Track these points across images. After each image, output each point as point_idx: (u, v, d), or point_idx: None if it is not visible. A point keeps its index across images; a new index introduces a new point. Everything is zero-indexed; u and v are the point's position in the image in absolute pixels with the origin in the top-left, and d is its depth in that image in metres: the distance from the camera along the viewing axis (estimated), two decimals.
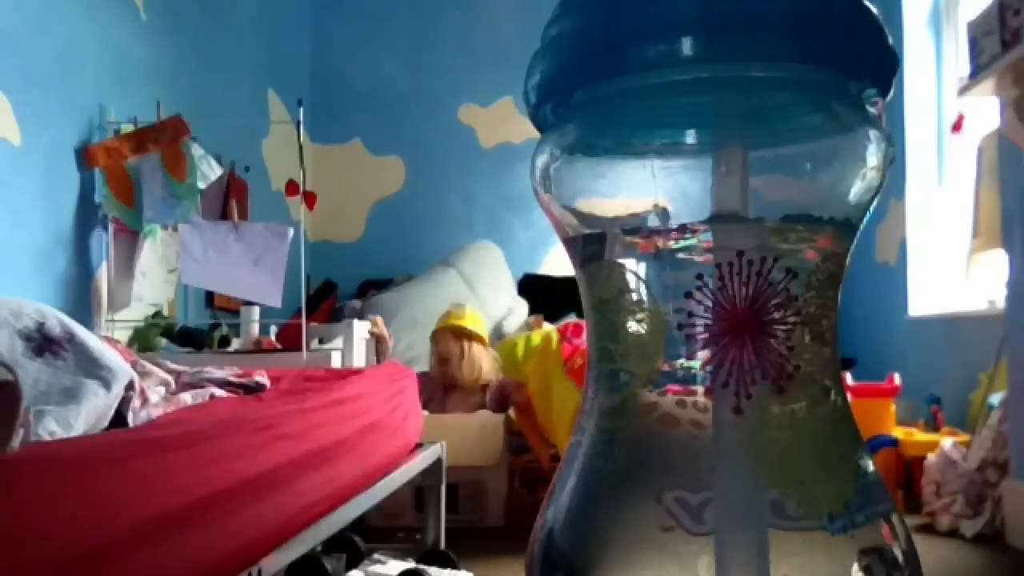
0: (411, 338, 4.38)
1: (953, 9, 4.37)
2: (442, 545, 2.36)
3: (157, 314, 3.43)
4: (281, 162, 4.58)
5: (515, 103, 5.59)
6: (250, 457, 1.23)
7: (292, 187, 3.43)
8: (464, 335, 3.56)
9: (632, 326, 0.87)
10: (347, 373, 2.27)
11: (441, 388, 3.60)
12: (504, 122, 5.60)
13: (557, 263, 5.47)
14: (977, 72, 2.84)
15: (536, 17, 4.78)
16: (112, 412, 1.32)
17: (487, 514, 3.29)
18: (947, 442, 3.21)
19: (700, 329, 0.82)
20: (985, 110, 3.55)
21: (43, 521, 0.80)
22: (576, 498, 0.89)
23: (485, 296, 4.82)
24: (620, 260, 0.89)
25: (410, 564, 2.13)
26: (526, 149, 5.72)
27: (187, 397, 1.59)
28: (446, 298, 4.63)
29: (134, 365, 1.58)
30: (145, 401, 1.42)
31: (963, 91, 2.92)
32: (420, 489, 2.52)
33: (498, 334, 4.69)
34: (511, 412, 3.45)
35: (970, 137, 4.07)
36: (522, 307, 4.93)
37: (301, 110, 3.38)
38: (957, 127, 4.12)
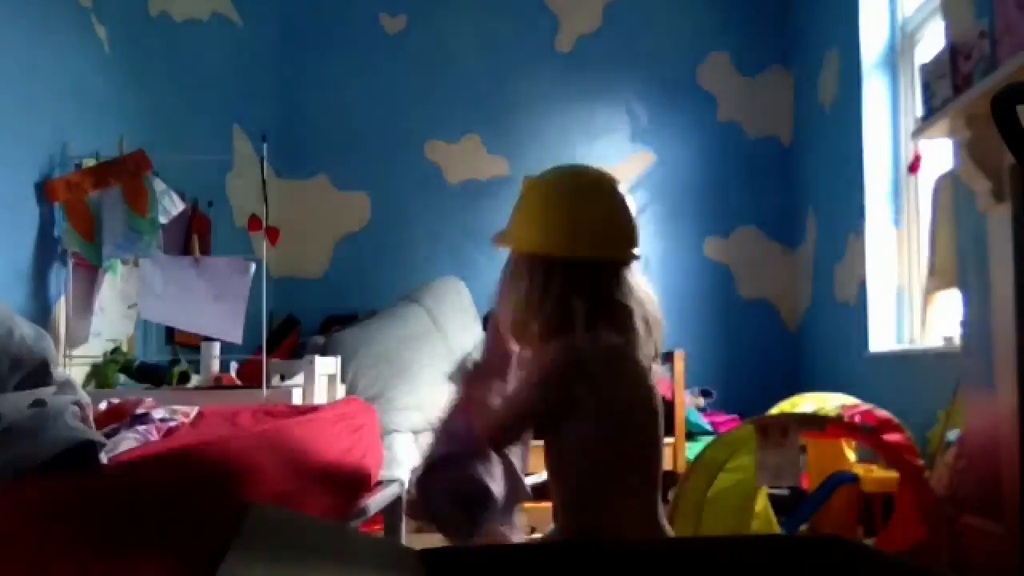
0: (373, 374, 4.36)
1: (909, 50, 4.47)
2: None
3: (116, 350, 3.39)
4: (245, 197, 4.57)
5: (481, 140, 5.63)
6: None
7: (255, 222, 3.42)
8: None
9: None
10: (306, 409, 2.25)
11: None
12: (470, 159, 5.62)
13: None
14: (930, 114, 2.90)
15: (503, 56, 4.88)
16: None
17: None
18: None
19: None
20: (941, 150, 3.63)
21: None
22: None
23: (450, 332, 4.81)
24: None
25: None
26: (492, 185, 5.80)
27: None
28: (411, 334, 4.62)
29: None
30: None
31: (917, 133, 2.99)
32: None
33: None
34: None
35: (927, 177, 4.14)
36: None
37: (265, 145, 3.38)
38: (915, 167, 4.19)
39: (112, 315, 3.40)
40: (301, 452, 1.67)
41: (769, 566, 1.25)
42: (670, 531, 1.58)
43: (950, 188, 3.42)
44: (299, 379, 3.43)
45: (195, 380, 3.34)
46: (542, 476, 1.62)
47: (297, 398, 3.20)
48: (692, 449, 3.83)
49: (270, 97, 5.56)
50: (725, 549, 1.33)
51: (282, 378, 3.57)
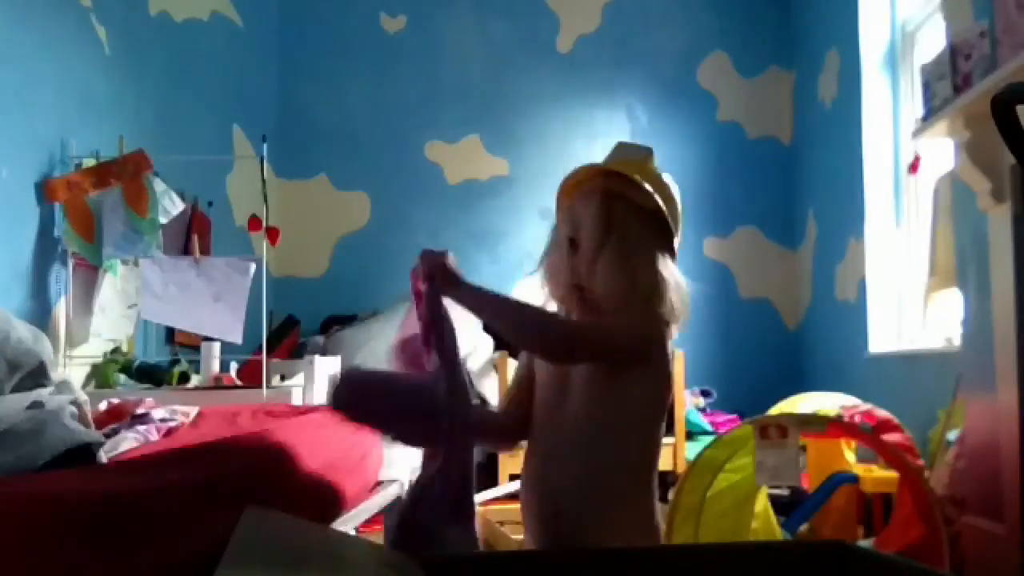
0: None
1: (909, 51, 4.47)
2: None
3: (116, 350, 3.39)
4: (245, 197, 4.56)
5: (481, 140, 5.63)
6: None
7: (255, 222, 3.42)
8: None
9: None
10: (306, 409, 2.25)
11: None
12: (470, 159, 5.62)
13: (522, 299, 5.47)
14: (930, 115, 2.90)
15: (503, 56, 4.88)
16: None
17: None
18: None
19: None
20: (941, 151, 3.63)
21: None
22: None
23: None
24: None
25: None
26: (492, 186, 5.79)
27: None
28: None
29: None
30: None
31: (917, 133, 2.98)
32: None
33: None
34: None
35: (927, 177, 4.14)
36: (487, 344, 4.92)
37: (265, 145, 3.38)
38: (914, 168, 4.19)
39: (112, 315, 3.40)
40: (301, 453, 1.66)
41: (773, 573, 1.24)
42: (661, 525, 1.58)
43: (950, 188, 3.41)
44: (299, 379, 3.43)
45: (195, 380, 3.34)
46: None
47: (297, 398, 3.20)
48: (692, 449, 3.83)
49: (270, 97, 5.56)
50: (729, 556, 1.32)
51: (282, 378, 3.57)
